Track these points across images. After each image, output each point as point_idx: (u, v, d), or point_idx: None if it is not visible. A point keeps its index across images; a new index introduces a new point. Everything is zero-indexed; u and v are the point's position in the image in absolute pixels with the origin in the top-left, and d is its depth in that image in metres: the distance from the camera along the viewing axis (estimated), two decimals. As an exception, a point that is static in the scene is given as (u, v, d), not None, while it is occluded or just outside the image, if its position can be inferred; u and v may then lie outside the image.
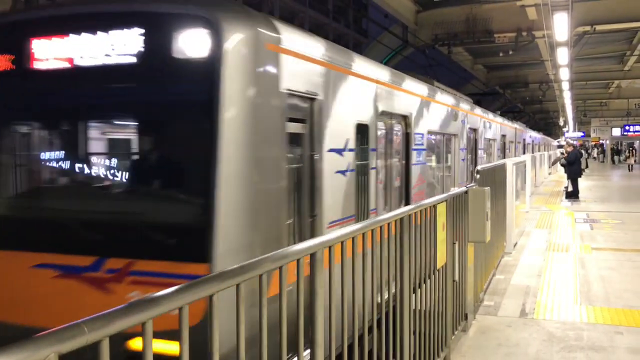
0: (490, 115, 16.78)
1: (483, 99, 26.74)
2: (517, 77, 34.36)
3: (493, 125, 16.88)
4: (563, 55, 18.32)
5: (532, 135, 33.18)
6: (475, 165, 13.26)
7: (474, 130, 13.66)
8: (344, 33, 24.81)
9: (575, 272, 8.69)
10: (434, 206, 4.62)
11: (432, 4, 20.55)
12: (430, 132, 9.30)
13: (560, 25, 14.14)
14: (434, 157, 10.02)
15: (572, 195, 19.50)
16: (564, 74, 23.06)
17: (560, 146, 46.50)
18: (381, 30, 21.39)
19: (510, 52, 22.30)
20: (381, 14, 20.99)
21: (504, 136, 19.17)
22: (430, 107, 9.26)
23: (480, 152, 14.39)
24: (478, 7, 19.62)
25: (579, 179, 20.19)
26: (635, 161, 42.74)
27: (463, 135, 12.03)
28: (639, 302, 7.12)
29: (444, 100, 10.50)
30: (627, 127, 48.86)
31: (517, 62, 29.30)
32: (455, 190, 5.70)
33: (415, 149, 8.23)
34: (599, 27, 18.36)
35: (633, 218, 14.59)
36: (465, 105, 12.55)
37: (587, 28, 18.30)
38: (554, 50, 17.83)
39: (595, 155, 60.48)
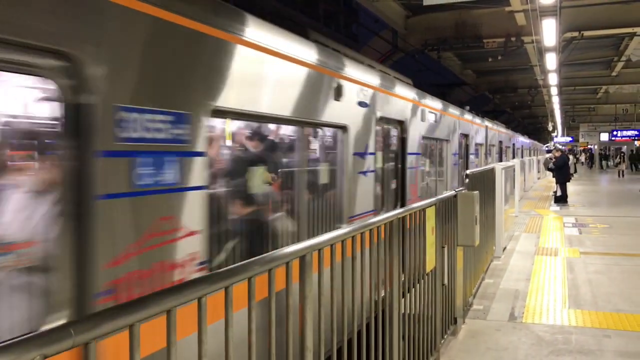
0: (435, 103, 10.92)
1: (455, 92, 24.87)
2: (506, 82, 34.51)
3: (442, 119, 11.33)
4: (551, 61, 18.46)
5: (513, 137, 28.41)
6: (404, 181, 8.59)
7: (399, 122, 8.45)
8: (335, 38, 24.85)
9: (563, 276, 8.74)
10: (423, 210, 4.64)
11: (422, 9, 20.63)
12: (252, 116, 4.48)
13: (549, 31, 14.26)
14: (270, 174, 5.08)
15: (561, 199, 19.63)
16: (553, 79, 23.23)
17: (549, 151, 46.70)
18: (371, 35, 21.45)
19: (499, 58, 22.44)
20: (371, 19, 21.05)
21: (465, 136, 14.17)
22: (242, 61, 4.13)
23: (412, 160, 8.95)
24: (467, 13, 19.71)
25: (568, 184, 20.35)
26: (626, 167, 42.99)
27: (370, 129, 6.87)
28: (627, 305, 7.17)
29: (295, 51, 4.97)
30: (615, 132, 49.41)
31: (506, 68, 29.44)
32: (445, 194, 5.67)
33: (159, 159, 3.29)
34: (586, 33, 18.51)
35: (621, 222, 14.70)
36: (371, 79, 7.06)
37: (575, 34, 18.44)
38: (543, 56, 17.96)
39: (583, 160, 60.74)
